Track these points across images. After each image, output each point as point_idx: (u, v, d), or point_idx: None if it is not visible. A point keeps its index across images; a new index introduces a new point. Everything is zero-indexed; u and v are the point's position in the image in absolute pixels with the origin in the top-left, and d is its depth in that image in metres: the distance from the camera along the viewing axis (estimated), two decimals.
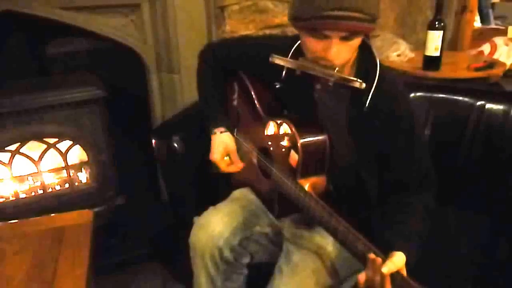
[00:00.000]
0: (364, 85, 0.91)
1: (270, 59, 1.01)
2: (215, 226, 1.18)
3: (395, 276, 0.81)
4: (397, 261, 0.83)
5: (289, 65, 1.00)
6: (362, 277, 0.86)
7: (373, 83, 0.99)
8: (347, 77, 0.92)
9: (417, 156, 1.04)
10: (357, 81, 0.91)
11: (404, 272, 0.83)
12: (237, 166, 1.25)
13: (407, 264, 0.85)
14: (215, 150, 1.23)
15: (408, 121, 1.01)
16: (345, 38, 0.90)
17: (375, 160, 1.04)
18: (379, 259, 0.83)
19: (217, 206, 1.25)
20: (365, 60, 1.02)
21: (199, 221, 1.23)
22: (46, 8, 1.57)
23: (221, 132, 1.25)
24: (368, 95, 0.99)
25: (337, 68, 0.92)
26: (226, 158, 1.25)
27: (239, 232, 1.18)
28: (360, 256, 0.87)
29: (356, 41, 0.93)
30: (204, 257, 1.18)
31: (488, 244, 1.34)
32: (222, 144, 1.23)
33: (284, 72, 1.07)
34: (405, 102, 1.04)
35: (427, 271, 1.20)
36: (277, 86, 1.13)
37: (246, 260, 1.22)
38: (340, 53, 0.91)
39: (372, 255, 0.84)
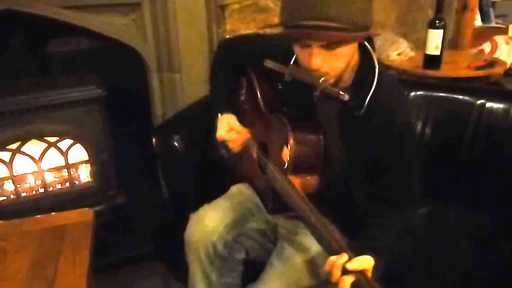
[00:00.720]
0: (347, 97, 0.91)
1: (265, 63, 1.03)
2: (209, 221, 1.19)
3: (359, 276, 0.82)
4: (364, 261, 0.85)
5: (280, 70, 1.01)
6: (327, 266, 0.87)
7: (370, 91, 0.98)
8: (331, 88, 0.92)
9: (404, 173, 1.03)
10: (340, 93, 0.91)
11: (369, 275, 0.85)
12: (244, 135, 1.23)
13: (374, 274, 0.87)
14: (219, 128, 1.23)
15: (401, 134, 1.00)
16: (326, 47, 0.90)
17: (363, 168, 1.03)
18: (345, 257, 0.85)
19: (212, 202, 1.26)
20: (364, 66, 1.01)
21: (194, 216, 1.24)
22: (47, 7, 1.57)
23: (222, 115, 1.25)
24: (364, 102, 0.98)
25: (322, 78, 0.91)
26: (232, 132, 1.23)
27: (234, 228, 1.19)
28: (333, 254, 0.88)
29: (344, 50, 0.92)
30: (198, 253, 1.18)
31: (488, 242, 1.34)
32: (225, 122, 1.23)
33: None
34: (402, 113, 1.02)
35: (427, 269, 1.21)
36: (279, 87, 1.14)
37: (241, 256, 1.22)
38: (325, 62, 0.91)
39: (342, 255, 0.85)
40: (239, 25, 1.87)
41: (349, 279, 0.83)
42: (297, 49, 0.96)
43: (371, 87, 0.99)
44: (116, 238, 1.88)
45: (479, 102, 1.45)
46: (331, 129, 1.06)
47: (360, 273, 0.83)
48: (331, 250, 0.88)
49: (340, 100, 0.95)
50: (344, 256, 0.85)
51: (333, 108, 1.05)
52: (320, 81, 0.91)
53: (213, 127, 1.27)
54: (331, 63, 0.92)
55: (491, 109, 1.44)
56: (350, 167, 1.05)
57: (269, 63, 1.02)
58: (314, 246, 1.09)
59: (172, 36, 1.77)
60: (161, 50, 1.82)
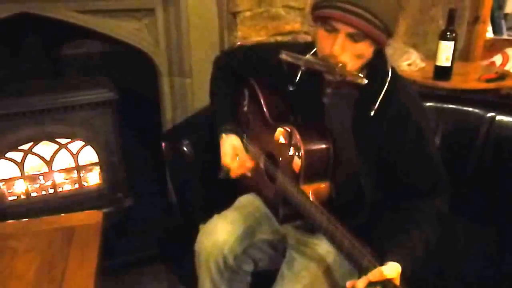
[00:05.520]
0: (366, 81, 0.92)
1: (280, 55, 1.03)
2: (220, 234, 1.18)
3: (386, 284, 0.81)
4: (387, 270, 0.83)
5: (295, 61, 1.02)
6: (349, 284, 0.86)
7: (383, 88, 1.00)
8: (348, 71, 0.94)
9: (428, 160, 1.03)
10: (358, 76, 0.92)
11: (397, 282, 0.83)
12: (247, 165, 1.24)
13: (406, 273, 0.85)
14: (225, 153, 1.23)
15: (418, 123, 1.01)
16: (352, 37, 0.92)
17: (375, 165, 1.04)
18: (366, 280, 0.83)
19: (222, 213, 1.26)
20: (377, 65, 1.03)
21: (204, 228, 1.23)
22: (62, 11, 1.60)
23: (227, 135, 1.25)
24: (377, 99, 1.00)
25: (340, 64, 0.93)
26: (237, 159, 1.23)
27: (244, 240, 1.19)
28: (355, 262, 0.87)
29: (365, 48, 0.94)
30: (209, 264, 1.18)
31: (495, 256, 1.33)
32: (230, 146, 1.23)
33: (298, 76, 1.10)
34: (416, 104, 1.04)
35: (434, 281, 1.20)
36: (290, 89, 1.14)
37: (249, 267, 1.22)
38: (345, 51, 0.93)
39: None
40: (251, 33, 1.88)
41: None
42: (321, 32, 0.96)
43: (385, 83, 1.01)
44: (123, 240, 1.89)
45: (489, 114, 1.44)
46: (343, 130, 1.06)
47: (387, 282, 0.81)
48: (352, 258, 0.87)
49: (357, 96, 0.98)
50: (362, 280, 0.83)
51: (347, 108, 1.05)
52: (338, 66, 0.92)
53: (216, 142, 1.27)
54: (349, 56, 0.94)
55: (501, 122, 1.43)
56: (364, 167, 1.05)
57: (284, 55, 1.03)
58: (324, 257, 1.09)
59: (184, 42, 1.78)
60: (173, 55, 1.84)
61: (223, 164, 1.23)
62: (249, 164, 1.24)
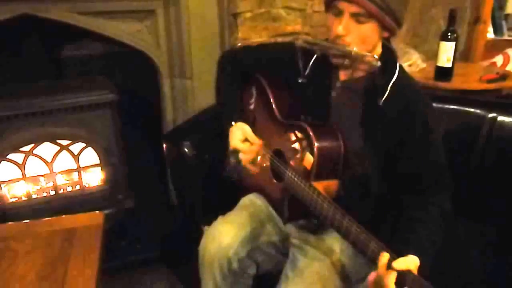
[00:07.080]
0: (379, 63, 0.97)
1: (296, 42, 1.07)
2: (225, 237, 1.18)
3: (406, 275, 0.81)
4: (409, 261, 0.84)
5: (311, 47, 1.05)
6: (372, 276, 0.86)
7: (391, 79, 1.04)
8: (361, 52, 0.98)
9: (433, 154, 1.05)
10: (373, 57, 0.98)
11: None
12: (257, 148, 1.22)
13: (421, 273, 0.85)
14: (233, 137, 1.22)
15: (424, 116, 1.04)
16: (356, 17, 0.96)
17: (383, 157, 1.05)
18: (387, 255, 0.83)
19: (226, 215, 1.25)
20: (386, 59, 1.06)
21: (208, 231, 1.22)
22: (63, 12, 1.60)
23: (235, 123, 1.24)
24: (385, 91, 1.03)
25: (355, 48, 0.98)
26: (246, 142, 1.22)
27: (248, 243, 1.18)
28: (371, 257, 0.87)
29: (369, 29, 0.98)
30: (212, 267, 1.18)
31: (497, 257, 1.33)
32: (238, 131, 1.22)
33: (308, 68, 1.13)
34: (423, 98, 1.07)
35: (435, 282, 1.20)
36: (299, 81, 1.15)
37: (252, 271, 1.22)
38: (350, 33, 0.98)
39: (383, 254, 0.84)
40: (251, 34, 1.88)
41: (393, 275, 0.81)
42: (330, 18, 1.02)
43: (393, 76, 1.05)
44: (124, 241, 1.89)
45: (490, 115, 1.44)
46: (350, 124, 1.08)
47: (408, 272, 0.81)
48: (368, 252, 0.87)
49: (362, 88, 1.04)
50: (385, 255, 0.84)
51: (355, 100, 1.08)
52: (353, 49, 0.98)
53: (223, 137, 1.26)
54: (354, 37, 0.99)
55: (502, 122, 1.43)
56: (372, 159, 1.06)
57: (300, 41, 1.07)
58: (331, 253, 1.09)
59: (185, 43, 1.79)
60: (173, 57, 1.84)
61: (232, 148, 1.22)
62: (259, 144, 1.22)
